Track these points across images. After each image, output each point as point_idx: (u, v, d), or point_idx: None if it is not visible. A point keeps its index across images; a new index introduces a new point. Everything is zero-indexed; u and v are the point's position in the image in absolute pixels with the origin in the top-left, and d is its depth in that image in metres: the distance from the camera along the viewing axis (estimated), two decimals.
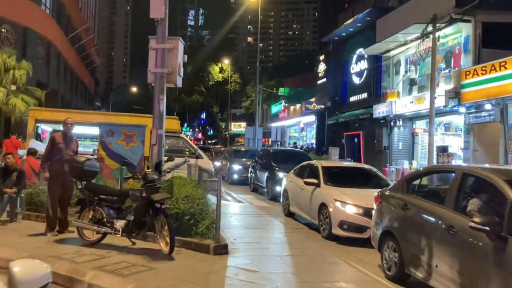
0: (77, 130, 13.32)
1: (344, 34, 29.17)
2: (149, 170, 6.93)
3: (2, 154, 13.14)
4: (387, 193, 7.10)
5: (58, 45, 40.09)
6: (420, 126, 21.22)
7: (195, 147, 12.94)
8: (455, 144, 18.77)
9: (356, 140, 26.70)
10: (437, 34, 16.93)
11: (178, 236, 7.20)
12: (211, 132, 74.51)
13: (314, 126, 34.90)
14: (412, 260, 5.93)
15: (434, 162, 16.49)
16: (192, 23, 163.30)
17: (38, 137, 13.26)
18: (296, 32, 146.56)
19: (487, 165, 6.40)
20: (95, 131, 11.51)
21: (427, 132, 17.53)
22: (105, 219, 7.03)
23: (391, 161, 22.75)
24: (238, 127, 59.76)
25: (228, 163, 21.57)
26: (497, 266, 4.54)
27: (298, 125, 39.12)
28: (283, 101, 41.87)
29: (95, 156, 10.98)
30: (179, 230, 7.31)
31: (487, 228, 4.56)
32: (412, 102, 19.94)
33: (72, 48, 45.59)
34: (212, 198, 14.12)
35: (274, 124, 42.49)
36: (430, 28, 16.88)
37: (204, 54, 58.82)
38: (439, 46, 17.94)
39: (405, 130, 22.28)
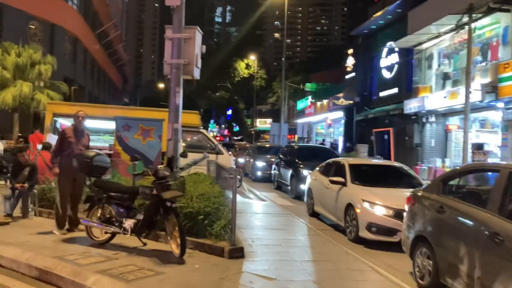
0: (95, 124, 13.16)
1: (374, 27, 28.21)
2: (161, 166, 6.44)
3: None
4: (420, 193, 6.43)
5: (85, 41, 40.42)
6: (454, 122, 20.23)
7: (216, 142, 12.45)
8: (491, 141, 17.72)
9: (386, 137, 25.78)
10: (473, 25, 15.91)
11: (192, 237, 6.73)
12: (237, 129, 74.18)
13: (342, 122, 34.02)
14: (449, 269, 5.27)
15: (469, 160, 15.56)
16: (219, 20, 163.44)
17: (56, 131, 13.01)
18: (324, 28, 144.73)
19: None
20: (113, 125, 11.17)
21: (461, 129, 16.59)
22: (114, 218, 6.61)
23: (422, 159, 21.81)
24: (263, 123, 59.15)
25: (251, 160, 21.08)
26: None
27: (325, 121, 38.24)
28: (309, 96, 41.01)
29: (110, 151, 10.65)
30: (193, 230, 6.84)
31: None
32: (445, 97, 18.97)
33: (99, 44, 45.90)
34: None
35: (300, 120, 41.73)
36: (465, 19, 15.89)
37: (230, 51, 58.42)
38: (475, 38, 16.89)
39: (437, 126, 21.30)
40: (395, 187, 9.20)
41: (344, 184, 9.34)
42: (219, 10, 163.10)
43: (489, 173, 5.87)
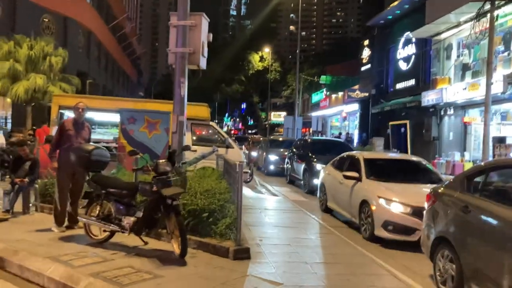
0: (102, 117, 12.84)
1: (390, 17, 27.41)
2: (162, 160, 6.03)
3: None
4: (442, 191, 5.91)
5: (99, 34, 40.27)
6: (473, 114, 19.50)
7: (226, 135, 12.02)
8: None
9: (402, 130, 25.07)
10: (495, 13, 15.16)
11: (195, 236, 6.34)
12: (252, 122, 73.73)
13: (357, 115, 33.33)
14: (475, 275, 4.77)
15: (490, 154, 14.89)
16: (234, 13, 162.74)
17: None
18: (340, 20, 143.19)
19: None
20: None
21: (482, 122, 15.88)
22: (113, 216, 6.23)
23: (440, 153, 21.12)
24: (278, 116, 58.57)
25: (264, 153, 20.65)
26: None
27: (340, 114, 37.59)
28: (324, 89, 40.37)
29: (115, 144, 10.33)
30: (197, 228, 6.44)
31: None
32: (465, 88, 18.26)
33: (113, 38, 45.76)
34: (243, 190, 13.33)
35: (314, 114, 41.04)
36: (487, 7, 15.14)
37: (244, 44, 57.92)
38: (497, 27, 16.15)
39: (456, 119, 20.58)
40: (413, 183, 8.69)
41: (358, 179, 8.86)
42: (234, 3, 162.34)
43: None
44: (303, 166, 14.80)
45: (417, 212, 7.37)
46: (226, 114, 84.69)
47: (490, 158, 13.66)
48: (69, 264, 5.30)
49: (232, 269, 5.40)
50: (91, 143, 7.09)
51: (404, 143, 24.40)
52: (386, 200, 7.82)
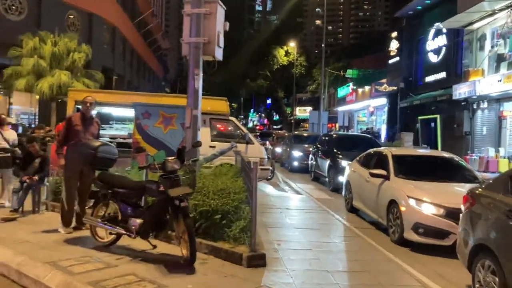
0: (119, 112, 12.51)
1: (419, 7, 26.34)
2: (171, 158, 5.56)
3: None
4: (480, 192, 5.26)
5: (123, 30, 40.27)
6: (509, 108, 18.44)
7: (246, 131, 11.51)
8: None
9: (432, 124, 24.11)
10: None
11: (208, 239, 5.85)
12: (277, 117, 73.08)
13: (385, 109, 32.32)
14: None
15: None
16: (260, 8, 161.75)
17: None
18: (367, 13, 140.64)
19: None
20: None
21: None
22: (119, 217, 5.81)
23: (473, 149, 20.13)
24: (303, 111, 57.72)
25: (288, 149, 20.09)
26: None
27: (367, 109, 36.62)
28: (351, 83, 39.41)
29: (130, 140, 9.95)
30: (209, 231, 5.96)
31: None
32: (500, 80, 17.27)
33: (138, 34, 45.79)
34: (264, 188, 12.80)
35: (341, 108, 40.17)
36: None
37: (270, 38, 57.23)
38: None
39: (490, 113, 19.56)
40: (445, 181, 8.01)
41: (386, 177, 8.22)
42: None
43: None
44: (327, 162, 14.19)
45: (451, 213, 6.77)
46: (252, 110, 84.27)
47: None
48: (68, 271, 4.89)
49: (244, 278, 4.88)
50: (98, 140, 6.68)
51: (434, 139, 23.46)
52: (416, 201, 7.19)
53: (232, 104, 69.02)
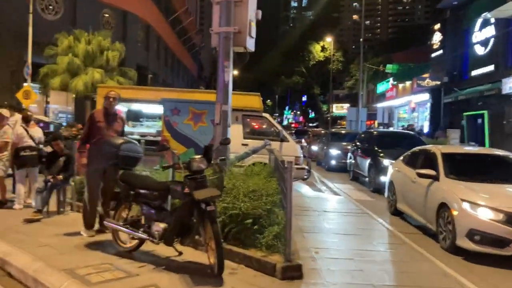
0: (149, 109, 12.15)
1: None
2: (197, 156, 5.03)
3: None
4: None
5: (158, 28, 40.40)
6: None
7: (280, 128, 10.90)
8: None
9: (479, 121, 22.76)
10: None
11: (238, 246, 5.30)
12: (313, 115, 71.98)
13: (428, 105, 30.96)
14: None
15: None
16: (295, 4, 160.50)
17: None
18: (407, 7, 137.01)
19: None
20: None
21: None
22: (142, 221, 5.34)
23: None
24: (340, 108, 56.53)
25: (325, 147, 19.33)
26: None
27: (408, 105, 35.25)
28: (390, 78, 38.09)
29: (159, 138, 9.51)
30: (239, 237, 5.41)
31: None
32: None
33: (172, 32, 45.88)
34: (300, 188, 12.18)
35: (380, 105, 38.91)
36: None
37: (305, 34, 56.27)
38: None
39: None
40: (502, 183, 7.16)
41: (435, 178, 7.44)
42: None
43: None
44: (368, 161, 13.40)
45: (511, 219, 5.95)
46: (287, 107, 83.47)
47: None
48: (85, 280, 4.45)
49: None
50: (122, 137, 6.22)
51: (481, 136, 22.12)
52: (471, 204, 6.40)
53: (267, 101, 68.59)
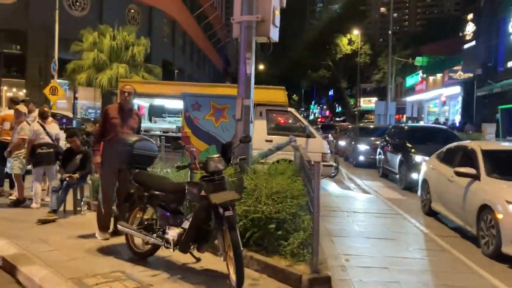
0: (172, 104, 11.83)
1: None
2: (215, 156, 4.60)
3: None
4: None
5: (183, 23, 40.21)
6: None
7: (306, 123, 10.38)
8: None
9: None
10: None
11: (260, 253, 4.87)
12: (340, 109, 70.86)
13: (459, 99, 29.81)
14: None
15: None
16: None
17: None
18: None
19: None
20: None
21: None
22: (157, 224, 4.95)
23: None
24: (368, 102, 55.33)
25: (353, 143, 18.68)
26: None
27: (438, 99, 34.09)
28: (420, 71, 36.92)
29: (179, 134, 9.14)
30: (262, 243, 4.97)
31: None
32: None
33: (198, 27, 45.64)
34: (326, 186, 11.64)
35: (409, 98, 37.78)
36: None
37: (332, 27, 55.15)
38: None
39: None
40: None
41: (476, 177, 6.83)
42: None
43: None
44: (398, 157, 12.75)
45: None
46: (313, 102, 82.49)
47: None
48: None
49: None
50: (138, 134, 5.84)
51: None
52: None
53: (293, 96, 67.79)
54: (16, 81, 26.99)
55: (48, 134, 7.76)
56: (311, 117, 74.24)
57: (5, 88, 26.93)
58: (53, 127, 7.99)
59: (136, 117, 6.18)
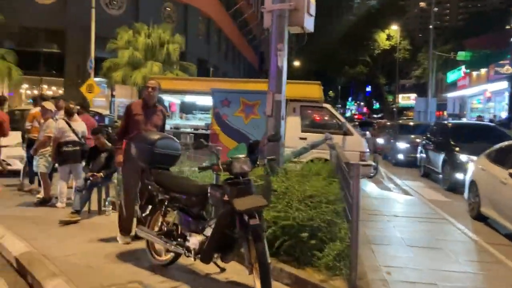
0: (204, 101, 11.46)
1: None
2: (241, 156, 4.13)
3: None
4: None
5: (219, 21, 39.98)
6: None
7: (343, 120, 9.78)
8: None
9: None
10: None
11: (291, 264, 4.41)
12: (377, 106, 69.21)
13: (506, 94, 28.27)
14: None
15: None
16: None
17: (165, 111, 11.55)
18: None
19: None
20: None
21: None
22: (178, 230, 4.54)
23: None
24: (406, 99, 53.71)
25: (392, 140, 17.89)
26: None
27: (482, 95, 32.53)
28: (462, 66, 35.38)
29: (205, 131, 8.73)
30: (293, 252, 4.49)
31: None
32: None
33: (233, 24, 45.36)
34: (364, 186, 10.99)
35: (450, 95, 36.34)
36: None
37: (370, 23, 53.73)
38: None
39: None
40: None
41: None
42: None
43: None
44: (442, 156, 11.96)
45: None
46: (350, 98, 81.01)
47: None
48: None
49: None
50: (159, 132, 5.44)
51: None
52: None
53: (329, 92, 66.65)
54: (55, 80, 27.44)
55: (74, 131, 7.52)
56: (348, 114, 72.91)
57: (45, 86, 27.44)
58: (80, 125, 7.74)
59: (161, 114, 5.81)
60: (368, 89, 67.88)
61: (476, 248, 6.21)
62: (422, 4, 60.01)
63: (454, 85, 38.15)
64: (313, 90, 9.70)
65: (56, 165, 7.59)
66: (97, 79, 21.61)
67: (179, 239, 4.41)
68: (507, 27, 29.61)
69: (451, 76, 39.63)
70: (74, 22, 24.81)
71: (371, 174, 9.61)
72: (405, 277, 4.72)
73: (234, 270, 4.48)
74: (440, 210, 8.54)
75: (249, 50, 57.37)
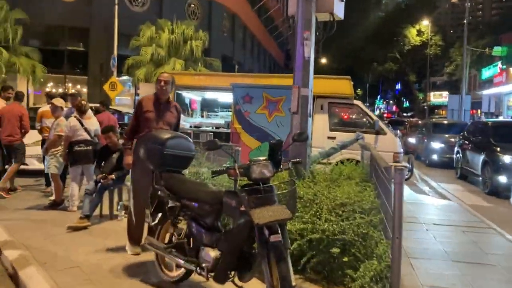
0: (223, 98, 10.90)
1: None
2: (261, 158, 3.52)
3: None
4: None
5: (244, 17, 39.50)
6: None
7: (375, 118, 9.06)
8: None
9: None
10: None
11: (318, 285, 3.76)
12: (407, 104, 67.44)
13: None
14: None
15: None
16: None
17: (186, 109, 11.06)
18: None
19: None
20: None
21: None
22: (190, 243, 3.97)
23: None
24: (438, 97, 52.04)
25: (425, 140, 17.01)
26: None
27: None
28: (499, 62, 33.82)
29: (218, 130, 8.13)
30: (322, 269, 3.86)
31: None
32: None
33: (258, 20, 44.78)
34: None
35: (485, 92, 34.68)
36: None
37: (399, 18, 52.23)
38: None
39: None
40: None
41: None
42: None
43: None
44: (482, 157, 11.12)
45: None
46: (378, 96, 79.33)
47: None
48: None
49: None
50: (171, 131, 4.87)
51: None
52: None
53: (357, 90, 65.27)
54: (79, 78, 27.42)
55: (86, 130, 7.07)
56: (376, 112, 71.38)
57: (69, 85, 27.44)
58: (92, 123, 7.29)
59: (175, 111, 5.23)
60: (398, 86, 66.18)
61: None
62: None
63: (489, 82, 36.54)
64: (342, 85, 9.01)
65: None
66: (123, 77, 21.39)
67: (192, 253, 3.84)
68: None
69: (486, 73, 38.04)
70: (97, 20, 24.72)
71: (406, 176, 8.85)
72: None
73: None
74: (483, 217, 7.74)
75: (275, 47, 56.73)
